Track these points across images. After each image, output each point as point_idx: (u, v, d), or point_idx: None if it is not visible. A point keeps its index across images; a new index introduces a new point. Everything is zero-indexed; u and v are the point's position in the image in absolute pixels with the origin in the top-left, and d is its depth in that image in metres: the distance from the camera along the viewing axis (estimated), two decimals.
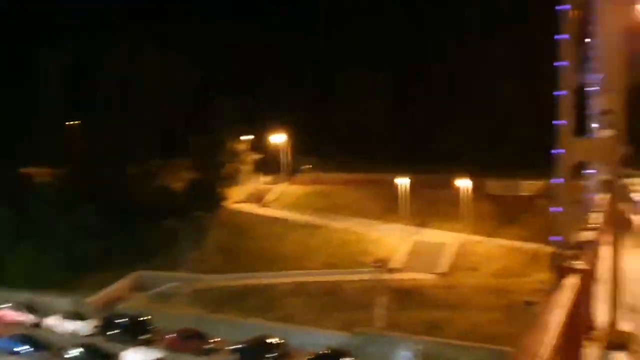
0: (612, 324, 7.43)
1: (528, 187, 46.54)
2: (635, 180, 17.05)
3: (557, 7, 7.43)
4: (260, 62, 61.39)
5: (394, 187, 47.73)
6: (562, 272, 4.94)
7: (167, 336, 34.72)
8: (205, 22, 60.93)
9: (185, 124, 54.61)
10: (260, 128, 56.63)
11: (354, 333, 34.43)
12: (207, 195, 49.74)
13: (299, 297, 40.02)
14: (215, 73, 58.94)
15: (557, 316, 3.53)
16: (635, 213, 16.22)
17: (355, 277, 41.51)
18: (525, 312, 29.78)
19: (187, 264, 43.69)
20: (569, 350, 4.13)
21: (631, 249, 12.22)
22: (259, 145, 56.83)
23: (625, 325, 7.58)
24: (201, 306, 39.42)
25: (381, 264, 40.78)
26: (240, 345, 33.01)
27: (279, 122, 55.14)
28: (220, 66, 60.25)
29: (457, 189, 46.53)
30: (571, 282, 4.56)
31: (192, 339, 34.22)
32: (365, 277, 40.24)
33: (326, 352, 32.01)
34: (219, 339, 33.94)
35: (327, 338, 33.73)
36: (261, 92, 58.99)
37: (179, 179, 53.79)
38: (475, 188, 46.39)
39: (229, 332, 34.36)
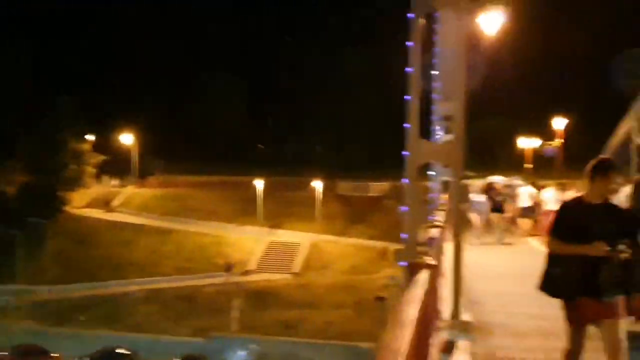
0: (455, 314, 7.95)
1: (377, 187, 49.07)
2: (474, 181, 18.66)
3: (408, 15, 7.82)
4: (109, 59, 58.22)
5: (249, 189, 47.71)
6: (413, 268, 5.15)
7: (0, 354, 31.55)
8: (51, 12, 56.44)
9: (19, 122, 49.72)
10: (106, 128, 53.50)
11: (208, 338, 33.82)
12: (44, 200, 45.68)
13: (151, 305, 38.42)
14: (55, 68, 54.71)
15: (412, 311, 3.63)
16: (473, 212, 17.74)
17: (211, 281, 40.82)
18: (375, 307, 31.32)
19: (22, 274, 39.94)
20: (422, 343, 4.29)
21: (469, 246, 13.27)
22: (105, 146, 53.60)
23: (465, 316, 8.16)
24: (41, 319, 36.29)
25: (231, 267, 40.56)
26: (85, 359, 30.98)
27: (128, 122, 52.55)
28: (61, 61, 56.07)
29: (311, 191, 47.72)
30: (422, 277, 4.76)
31: (29, 355, 31.33)
32: (221, 280, 39.75)
33: (179, 359, 31.10)
34: (61, 354, 31.57)
35: (181, 345, 32.77)
36: (108, 91, 55.88)
37: (11, 183, 48.81)
38: (328, 189, 47.92)
39: (73, 345, 32.04)
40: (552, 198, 18.82)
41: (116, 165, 53.78)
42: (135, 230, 46.86)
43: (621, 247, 4.71)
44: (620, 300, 4.84)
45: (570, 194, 18.75)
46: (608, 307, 4.77)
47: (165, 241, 45.98)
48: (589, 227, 4.80)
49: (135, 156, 54.58)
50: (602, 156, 5.59)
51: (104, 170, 54.05)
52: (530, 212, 18.90)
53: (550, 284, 5.01)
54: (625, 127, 15.21)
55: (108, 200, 51.66)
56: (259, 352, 31.64)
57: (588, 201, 4.96)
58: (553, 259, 4.99)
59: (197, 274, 42.26)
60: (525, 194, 19.03)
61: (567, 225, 4.91)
